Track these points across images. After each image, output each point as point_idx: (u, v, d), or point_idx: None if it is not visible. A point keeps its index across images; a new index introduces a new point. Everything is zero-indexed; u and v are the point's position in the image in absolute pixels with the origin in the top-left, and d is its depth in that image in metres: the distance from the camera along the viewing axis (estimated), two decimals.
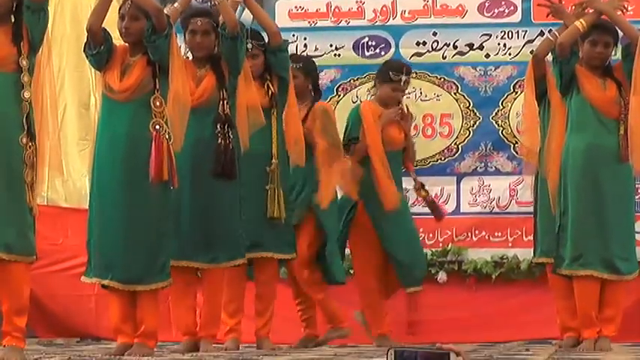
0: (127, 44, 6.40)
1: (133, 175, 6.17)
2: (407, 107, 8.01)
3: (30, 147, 5.67)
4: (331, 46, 8.97)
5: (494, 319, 8.10)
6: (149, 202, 6.20)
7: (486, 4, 8.92)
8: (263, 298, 7.33)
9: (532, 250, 7.81)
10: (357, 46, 8.98)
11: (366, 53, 8.96)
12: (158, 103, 6.19)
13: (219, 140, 6.72)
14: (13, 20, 5.79)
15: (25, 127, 5.67)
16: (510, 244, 8.51)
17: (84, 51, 6.43)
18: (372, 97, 7.99)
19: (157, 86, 6.22)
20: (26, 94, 5.70)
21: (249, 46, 7.26)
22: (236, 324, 7.19)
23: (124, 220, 6.17)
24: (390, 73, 7.91)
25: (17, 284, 5.74)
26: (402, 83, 7.83)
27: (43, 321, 8.59)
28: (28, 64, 5.71)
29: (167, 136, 6.17)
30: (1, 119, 5.68)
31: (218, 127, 6.74)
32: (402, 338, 8.06)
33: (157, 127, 6.16)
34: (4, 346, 5.74)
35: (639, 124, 6.52)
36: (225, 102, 6.78)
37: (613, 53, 7.09)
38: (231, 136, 6.77)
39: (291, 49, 8.82)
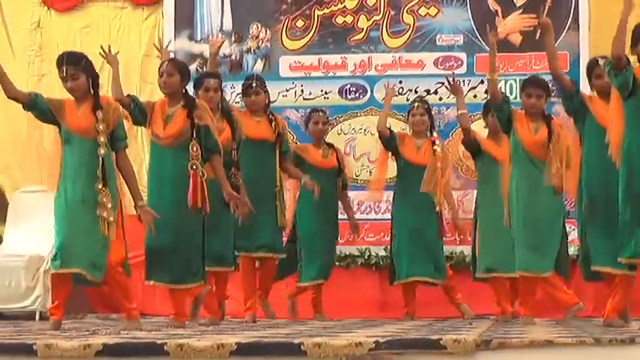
0: (165, 98, 6.40)
1: (176, 204, 6.18)
2: (437, 135, 7.92)
3: (103, 191, 5.75)
4: (322, 91, 8.99)
5: (446, 300, 8.08)
6: (188, 223, 6.22)
7: (440, 60, 8.96)
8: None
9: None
10: (341, 91, 9.00)
11: (349, 97, 8.98)
12: (195, 149, 6.20)
13: (231, 180, 6.67)
14: (92, 93, 5.89)
15: (100, 176, 5.75)
16: (458, 242, 8.46)
17: None
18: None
19: (194, 135, 6.22)
20: (102, 151, 5.78)
21: (254, 84, 7.31)
22: (252, 304, 7.24)
23: (170, 236, 6.19)
24: (409, 104, 8.00)
25: (116, 286, 5.98)
26: (415, 108, 7.82)
27: (102, 301, 8.58)
28: (104, 129, 5.79)
29: (201, 174, 6.18)
30: (86, 172, 5.76)
31: (232, 170, 6.77)
32: (374, 314, 8.09)
33: (194, 167, 6.18)
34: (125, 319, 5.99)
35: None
36: (235, 151, 6.84)
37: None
38: (239, 178, 6.80)
39: (291, 93, 8.94)
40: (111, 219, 5.75)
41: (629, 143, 5.65)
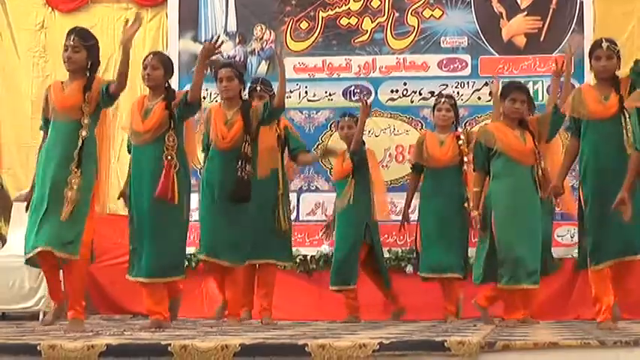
0: (147, 92, 6.41)
1: (155, 198, 6.16)
2: (466, 131, 7.85)
3: (76, 172, 5.70)
4: (326, 92, 8.98)
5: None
6: (166, 216, 6.17)
7: (444, 62, 8.95)
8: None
9: None
10: (345, 93, 9.00)
11: (353, 98, 8.96)
12: (171, 139, 6.16)
13: (239, 173, 6.68)
14: (87, 74, 5.88)
15: (76, 158, 5.71)
16: None
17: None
18: None
19: (172, 125, 6.19)
20: (83, 133, 5.75)
21: (258, 88, 7.28)
22: (248, 302, 7.26)
23: (150, 230, 6.18)
24: (435, 99, 7.94)
25: (76, 275, 5.80)
26: (441, 103, 7.75)
27: (105, 302, 8.59)
28: (89, 110, 5.76)
29: (174, 164, 6.14)
30: (63, 153, 5.74)
31: (239, 163, 6.70)
32: (378, 316, 8.07)
33: (169, 157, 6.14)
34: (70, 319, 5.82)
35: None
36: (247, 144, 6.76)
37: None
38: (248, 170, 6.73)
39: (295, 95, 8.92)
40: (74, 199, 5.67)
41: None
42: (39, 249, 5.67)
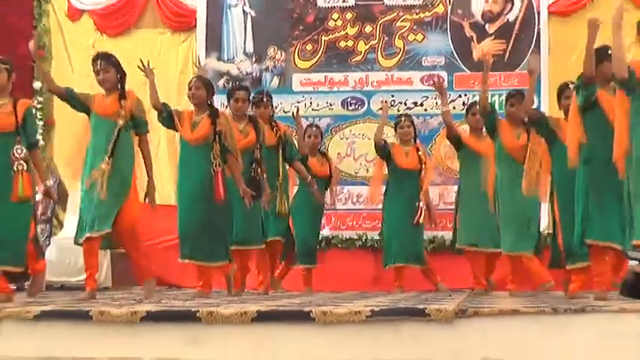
0: (193, 108, 6.40)
1: (204, 195, 6.17)
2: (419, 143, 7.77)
3: (108, 159, 5.72)
4: (327, 103, 8.98)
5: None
6: (214, 212, 6.19)
7: (425, 77, 8.95)
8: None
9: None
10: (343, 103, 9.00)
11: (349, 108, 8.97)
12: (217, 150, 6.19)
13: (252, 174, 6.62)
14: (119, 87, 5.91)
15: (110, 149, 5.73)
16: (439, 228, 8.27)
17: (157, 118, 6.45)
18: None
19: (216, 139, 6.22)
20: (117, 131, 5.78)
21: (265, 99, 7.19)
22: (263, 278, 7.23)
23: (199, 223, 6.19)
24: (396, 119, 7.81)
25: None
26: (403, 121, 7.68)
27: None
28: (125, 115, 5.81)
29: (222, 169, 6.20)
30: (107, 148, 5.76)
31: (253, 165, 6.65)
32: (369, 287, 8.06)
33: (219, 165, 6.18)
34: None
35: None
36: (259, 151, 6.71)
37: None
38: (260, 172, 6.67)
39: (301, 105, 8.92)
40: (99, 180, 5.71)
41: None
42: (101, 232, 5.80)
